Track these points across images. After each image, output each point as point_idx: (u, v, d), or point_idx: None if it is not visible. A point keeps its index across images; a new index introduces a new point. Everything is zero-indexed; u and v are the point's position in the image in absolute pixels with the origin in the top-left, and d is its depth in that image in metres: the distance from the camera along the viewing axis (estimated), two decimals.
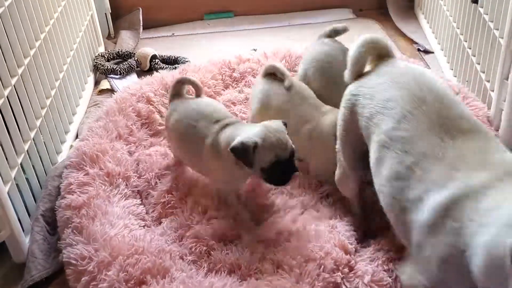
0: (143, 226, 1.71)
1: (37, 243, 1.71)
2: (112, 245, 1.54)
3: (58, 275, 1.67)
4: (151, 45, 2.96)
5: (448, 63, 2.59)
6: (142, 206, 1.81)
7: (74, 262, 1.54)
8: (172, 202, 1.79)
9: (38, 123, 1.95)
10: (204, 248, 1.60)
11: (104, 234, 1.59)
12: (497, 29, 1.96)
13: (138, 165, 1.95)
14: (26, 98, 1.88)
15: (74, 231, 1.64)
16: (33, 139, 1.89)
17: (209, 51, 2.97)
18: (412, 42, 3.01)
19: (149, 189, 1.87)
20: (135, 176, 1.91)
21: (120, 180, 1.85)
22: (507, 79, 1.83)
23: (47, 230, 1.77)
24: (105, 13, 3.13)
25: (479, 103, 2.05)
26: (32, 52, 1.95)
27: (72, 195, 1.74)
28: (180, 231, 1.68)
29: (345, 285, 1.41)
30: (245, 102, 2.26)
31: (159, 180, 1.89)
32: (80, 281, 1.50)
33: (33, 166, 1.88)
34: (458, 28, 2.42)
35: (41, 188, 1.90)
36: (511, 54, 1.79)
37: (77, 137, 2.24)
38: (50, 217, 1.79)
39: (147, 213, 1.79)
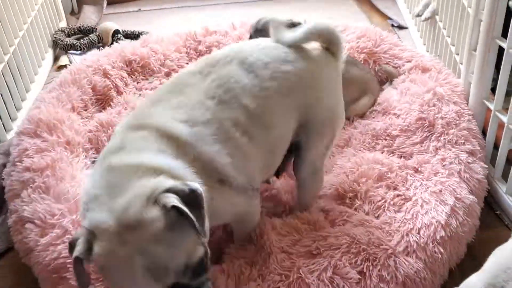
0: None
1: None
2: None
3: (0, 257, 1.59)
4: (116, 21, 2.83)
5: (421, 38, 2.53)
6: None
7: (41, 216, 1.43)
8: None
9: None
10: None
11: (76, 195, 1.48)
12: None
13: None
14: None
15: (38, 190, 1.52)
16: None
17: (176, 27, 2.84)
18: (387, 17, 2.93)
19: None
20: (93, 149, 1.80)
21: (81, 149, 1.74)
22: (475, 50, 1.75)
23: None
24: None
25: (455, 79, 1.96)
26: None
27: (31, 159, 1.62)
28: None
29: None
30: None
31: None
32: (48, 235, 1.39)
33: None
34: (432, 1, 2.35)
35: None
36: (479, 24, 1.71)
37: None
38: None
39: None
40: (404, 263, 1.26)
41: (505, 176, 1.68)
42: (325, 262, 1.24)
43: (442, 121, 1.71)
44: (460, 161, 1.58)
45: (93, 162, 1.75)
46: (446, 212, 1.39)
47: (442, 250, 1.32)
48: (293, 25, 1.83)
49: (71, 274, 1.29)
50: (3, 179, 1.66)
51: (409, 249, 1.30)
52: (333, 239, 1.31)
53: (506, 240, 1.55)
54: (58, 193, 1.50)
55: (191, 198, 0.94)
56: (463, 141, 1.66)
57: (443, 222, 1.37)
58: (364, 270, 1.23)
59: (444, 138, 1.67)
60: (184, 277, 0.95)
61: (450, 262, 1.37)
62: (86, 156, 1.75)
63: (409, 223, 1.37)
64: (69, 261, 1.31)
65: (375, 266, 1.24)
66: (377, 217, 1.42)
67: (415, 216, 1.39)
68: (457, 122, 1.71)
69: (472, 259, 1.49)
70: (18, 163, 1.63)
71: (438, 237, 1.34)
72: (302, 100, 1.30)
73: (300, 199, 1.47)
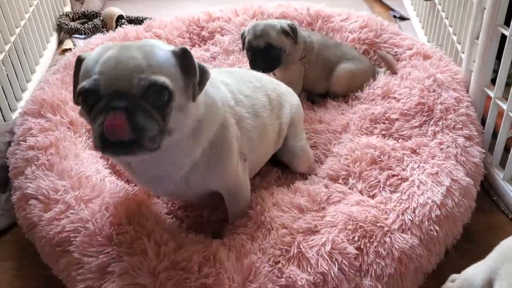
0: (115, 175, 1.62)
1: None
2: (91, 184, 1.46)
3: (3, 234, 1.61)
4: (120, 7, 2.85)
5: (423, 29, 2.55)
6: (102, 158, 1.70)
7: (44, 192, 1.45)
8: None
9: None
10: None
11: (79, 172, 1.50)
12: None
13: None
14: None
15: (42, 167, 1.53)
16: None
17: (181, 14, 2.86)
18: (389, 8, 2.95)
19: None
20: None
21: (84, 130, 1.76)
22: (477, 38, 1.77)
23: None
24: None
25: (455, 67, 1.98)
26: None
27: (35, 138, 1.64)
28: None
29: None
30: (211, 61, 2.18)
31: None
32: (52, 210, 1.40)
33: None
34: None
35: None
36: (482, 12, 1.73)
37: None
38: (0, 174, 1.71)
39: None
40: (399, 239, 1.28)
41: (503, 163, 1.71)
42: (323, 238, 1.26)
43: (441, 107, 1.72)
44: (457, 145, 1.60)
45: None
46: (442, 193, 1.41)
47: (437, 229, 1.34)
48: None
49: (74, 247, 1.31)
50: (7, 158, 1.67)
51: (403, 227, 1.32)
52: (329, 218, 1.33)
53: (501, 224, 1.59)
54: (61, 170, 1.51)
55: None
56: (460, 126, 1.68)
57: (438, 202, 1.39)
58: (362, 246, 1.25)
59: (442, 123, 1.68)
60: (146, 95, 1.05)
61: (446, 241, 1.39)
62: (88, 137, 1.76)
63: (405, 203, 1.39)
64: (72, 235, 1.33)
65: (372, 243, 1.26)
66: (372, 197, 1.45)
67: (411, 196, 1.42)
68: (456, 108, 1.73)
69: (468, 241, 1.52)
70: (22, 142, 1.64)
71: (433, 216, 1.36)
72: None
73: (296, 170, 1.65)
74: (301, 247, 1.24)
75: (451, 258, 1.44)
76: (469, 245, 1.51)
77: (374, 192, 1.47)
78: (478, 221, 1.57)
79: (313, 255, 1.22)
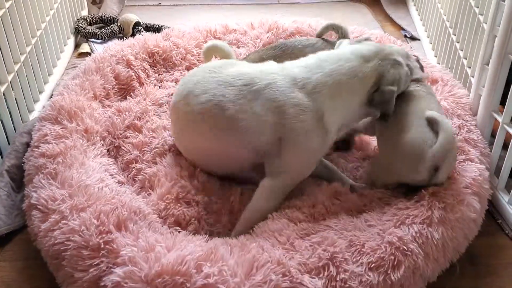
0: (119, 183, 1.65)
1: (0, 199, 1.67)
2: (88, 193, 1.47)
3: (19, 232, 1.65)
4: (136, 13, 2.90)
5: (433, 50, 2.60)
6: (115, 165, 1.75)
7: (43, 202, 1.46)
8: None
9: (9, 77, 1.89)
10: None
11: (80, 182, 1.51)
12: (482, 15, 1.95)
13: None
14: None
15: (48, 176, 1.55)
16: (3, 93, 1.83)
17: (195, 23, 2.90)
18: (400, 28, 3.00)
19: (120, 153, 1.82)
20: (110, 136, 1.85)
21: (98, 138, 1.78)
22: (488, 64, 1.82)
23: (11, 186, 1.72)
24: None
25: (461, 91, 2.02)
26: (7, 5, 1.89)
27: (48, 145, 1.67)
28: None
29: None
30: None
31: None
32: (48, 220, 1.42)
33: (1, 121, 1.83)
34: (445, 15, 2.43)
35: (8, 144, 1.85)
36: (493, 39, 1.78)
37: (51, 97, 2.19)
38: (16, 174, 1.75)
39: (123, 171, 1.75)
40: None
41: (508, 187, 1.75)
42: None
43: None
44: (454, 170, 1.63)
45: (108, 150, 1.80)
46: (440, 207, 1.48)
47: (431, 230, 1.41)
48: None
49: (66, 261, 1.33)
50: (23, 162, 1.71)
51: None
52: None
53: (505, 247, 1.63)
54: (64, 179, 1.52)
55: None
56: (458, 153, 1.68)
57: (437, 216, 1.45)
58: None
59: None
60: None
61: (446, 249, 1.43)
62: (103, 144, 1.79)
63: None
64: (63, 248, 1.34)
65: None
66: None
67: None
68: (455, 135, 1.76)
69: (472, 263, 1.56)
70: (35, 149, 1.68)
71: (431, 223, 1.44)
72: None
73: None
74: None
75: (454, 278, 1.48)
76: (473, 267, 1.55)
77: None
78: (482, 243, 1.60)
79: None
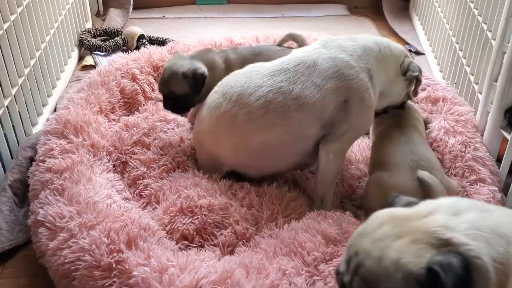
0: (125, 200, 1.62)
1: (3, 214, 1.64)
2: (97, 210, 1.45)
3: (21, 248, 1.62)
4: (140, 26, 2.89)
5: (438, 65, 2.59)
6: (121, 181, 1.73)
7: (51, 219, 1.44)
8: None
9: (13, 91, 1.88)
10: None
11: (87, 198, 1.49)
12: (490, 31, 1.94)
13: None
14: (2, 63, 1.81)
15: (54, 191, 1.52)
16: (7, 107, 1.82)
17: (199, 36, 2.88)
18: (405, 42, 2.99)
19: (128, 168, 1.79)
20: (117, 151, 1.82)
21: (104, 153, 1.76)
22: (496, 81, 1.81)
23: (14, 201, 1.70)
24: None
25: (463, 108, 2.00)
26: (12, 18, 1.88)
27: (54, 159, 1.64)
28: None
29: None
30: None
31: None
32: (57, 238, 1.39)
33: (5, 134, 1.81)
34: (451, 30, 2.41)
35: (12, 158, 1.83)
36: (502, 56, 1.77)
37: (55, 110, 2.17)
38: (19, 189, 1.73)
39: (129, 186, 1.73)
40: None
41: None
42: None
43: (450, 156, 1.78)
44: (465, 190, 1.64)
45: (114, 165, 1.78)
46: None
47: None
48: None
49: (77, 281, 1.30)
50: (28, 176, 1.68)
51: None
52: None
53: None
54: (71, 196, 1.50)
55: None
56: (468, 173, 1.71)
57: None
58: None
59: (451, 172, 1.74)
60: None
61: None
62: (109, 160, 1.77)
63: None
64: (73, 267, 1.31)
65: None
66: None
67: None
68: (463, 154, 1.77)
69: None
70: (41, 163, 1.65)
71: None
72: None
73: None
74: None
75: None
76: None
77: None
78: None
79: None
